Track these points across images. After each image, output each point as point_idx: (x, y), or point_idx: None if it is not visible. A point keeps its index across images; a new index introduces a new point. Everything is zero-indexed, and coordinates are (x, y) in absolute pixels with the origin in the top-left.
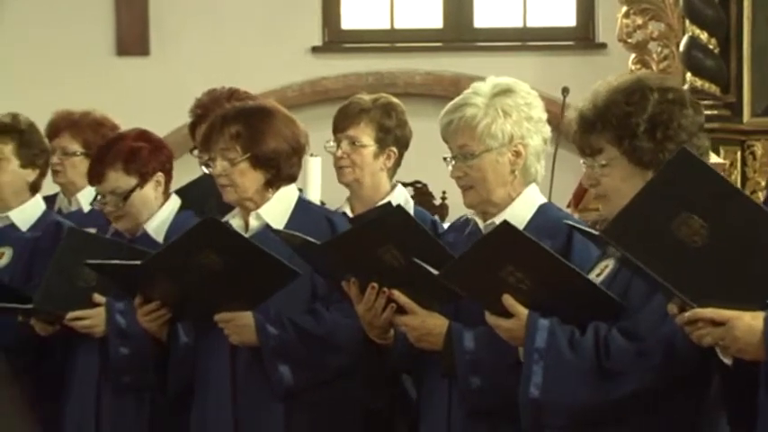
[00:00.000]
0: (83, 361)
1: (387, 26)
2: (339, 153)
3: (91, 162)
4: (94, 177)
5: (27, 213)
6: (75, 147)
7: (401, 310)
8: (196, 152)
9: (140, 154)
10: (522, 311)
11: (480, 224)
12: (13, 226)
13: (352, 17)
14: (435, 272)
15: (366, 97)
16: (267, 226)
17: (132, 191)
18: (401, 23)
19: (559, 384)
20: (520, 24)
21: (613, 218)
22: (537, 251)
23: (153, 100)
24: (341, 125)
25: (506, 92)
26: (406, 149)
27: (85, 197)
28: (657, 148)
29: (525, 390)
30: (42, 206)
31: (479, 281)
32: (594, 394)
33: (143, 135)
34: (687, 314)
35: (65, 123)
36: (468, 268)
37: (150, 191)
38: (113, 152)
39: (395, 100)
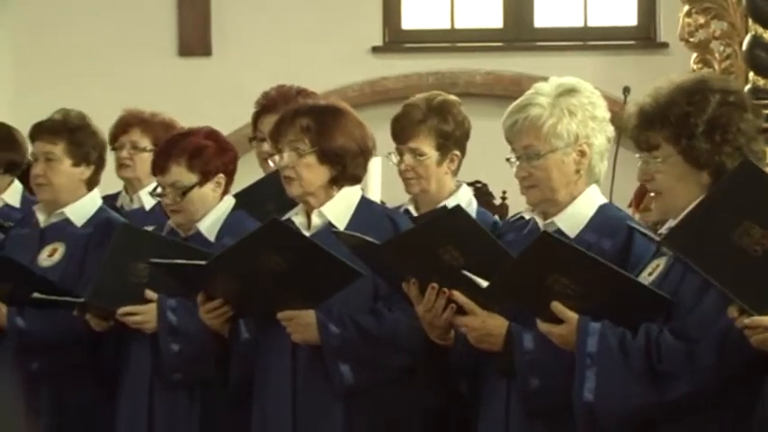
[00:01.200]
0: (136, 357)
1: (447, 26)
2: (403, 166)
3: (157, 152)
4: (157, 168)
5: (82, 209)
6: (146, 142)
7: (461, 311)
8: (254, 143)
9: (206, 152)
10: (572, 317)
11: (540, 223)
12: (67, 221)
13: (413, 17)
14: (484, 284)
15: (419, 102)
16: (329, 224)
17: (192, 188)
18: (461, 23)
19: (612, 388)
20: (581, 24)
21: (675, 225)
22: (580, 257)
23: (214, 100)
24: (400, 136)
25: (571, 91)
26: (467, 141)
27: (147, 195)
28: (714, 150)
29: (579, 394)
30: (98, 202)
31: (526, 290)
32: (647, 397)
33: (212, 134)
34: (747, 320)
35: (136, 120)
36: (513, 280)
37: (209, 191)
38: (180, 146)
39: (449, 98)
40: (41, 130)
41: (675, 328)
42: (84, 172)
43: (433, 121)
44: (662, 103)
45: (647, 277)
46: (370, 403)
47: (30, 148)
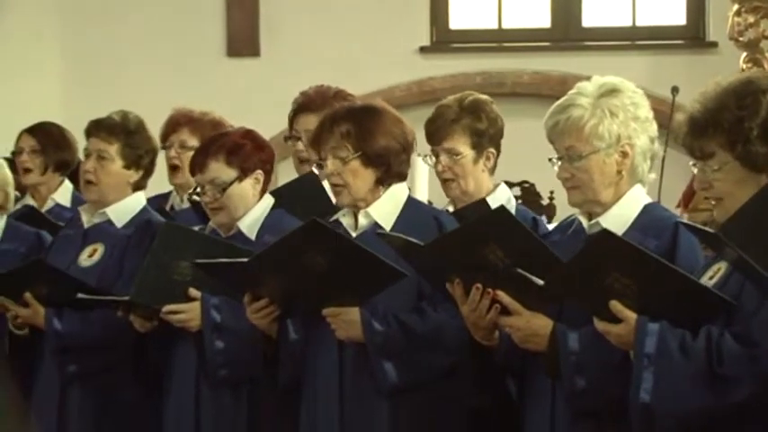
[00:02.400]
0: (181, 357)
1: (495, 26)
2: (440, 167)
3: (195, 152)
4: (196, 166)
5: (124, 210)
6: (194, 142)
7: (506, 311)
8: (290, 142)
9: (243, 149)
10: (631, 316)
11: (584, 223)
12: (109, 222)
13: (461, 17)
14: (540, 282)
15: (451, 103)
16: (376, 224)
17: (231, 183)
18: (509, 23)
19: (670, 390)
20: (629, 23)
21: (729, 218)
22: (640, 256)
23: (262, 100)
24: (434, 137)
25: (612, 92)
26: (502, 139)
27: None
28: None
29: (635, 395)
30: (141, 203)
31: (584, 289)
32: (706, 399)
33: (248, 134)
34: None
35: (184, 119)
36: (571, 277)
37: (248, 187)
38: (218, 144)
39: (481, 97)
40: (99, 128)
41: (737, 331)
42: (133, 175)
43: (466, 120)
44: (711, 108)
45: (707, 280)
46: (415, 402)
47: (80, 148)
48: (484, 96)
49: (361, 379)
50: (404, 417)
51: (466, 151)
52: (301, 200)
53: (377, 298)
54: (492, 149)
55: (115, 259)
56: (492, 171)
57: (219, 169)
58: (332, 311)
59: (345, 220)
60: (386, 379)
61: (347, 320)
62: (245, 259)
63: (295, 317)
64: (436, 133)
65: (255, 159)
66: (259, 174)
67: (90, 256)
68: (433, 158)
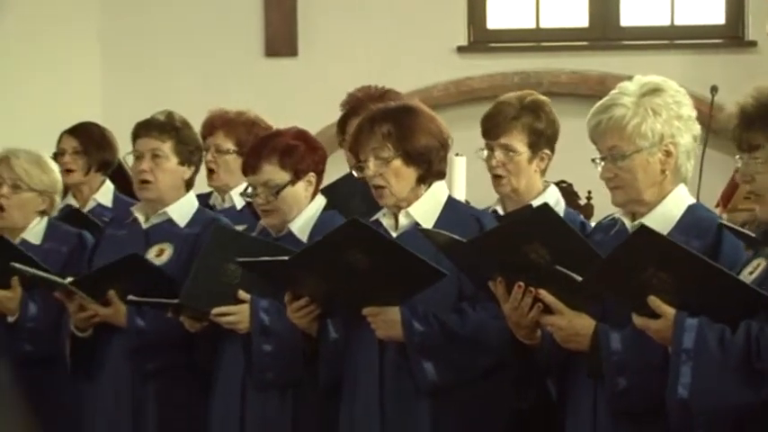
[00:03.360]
0: (229, 357)
1: (532, 25)
2: (494, 162)
3: (247, 153)
4: (249, 168)
5: (184, 209)
6: (229, 145)
7: (548, 310)
8: (345, 146)
9: (297, 151)
10: (669, 312)
11: (627, 224)
12: (170, 221)
13: (498, 16)
14: (579, 278)
15: (512, 99)
16: (416, 224)
17: (284, 186)
18: (547, 22)
19: (708, 385)
20: (667, 22)
21: None
22: (677, 252)
23: (301, 100)
24: (491, 132)
25: (655, 91)
26: (557, 141)
27: (239, 195)
28: None
29: (673, 390)
30: (196, 202)
31: (623, 284)
32: (744, 395)
33: (302, 134)
34: None
35: (219, 122)
36: (610, 273)
37: (301, 189)
38: (271, 146)
39: (541, 97)
40: (150, 128)
41: None
42: (186, 172)
43: (526, 119)
44: (764, 102)
45: (747, 276)
46: (455, 402)
47: (119, 148)
48: (544, 97)
49: (401, 378)
50: (444, 416)
51: (522, 149)
52: (348, 198)
53: (417, 297)
54: (547, 150)
55: (185, 258)
56: (544, 172)
57: (273, 172)
58: (372, 311)
59: (386, 220)
60: (425, 378)
61: (387, 320)
62: (287, 257)
63: (335, 316)
64: (494, 128)
65: (309, 161)
66: (312, 176)
67: (158, 256)
68: (486, 152)
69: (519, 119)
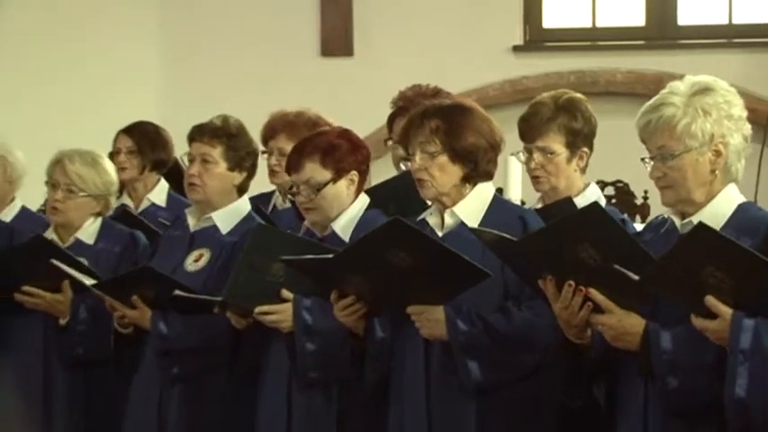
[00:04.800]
0: (274, 356)
1: (588, 24)
2: (532, 164)
3: (290, 152)
4: (291, 166)
5: (230, 216)
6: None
7: (598, 309)
8: (390, 143)
9: (339, 149)
10: (726, 312)
11: (677, 223)
12: (214, 227)
13: (554, 16)
14: (635, 277)
15: (547, 100)
16: (462, 223)
17: (326, 184)
18: (603, 21)
19: (765, 385)
20: (725, 21)
21: None
22: (735, 251)
23: (356, 100)
24: (528, 135)
25: (705, 90)
26: (594, 138)
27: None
28: None
29: (731, 390)
30: (246, 209)
31: (680, 284)
32: None
33: (344, 133)
34: None
35: (281, 125)
36: (667, 272)
37: (343, 188)
38: (313, 144)
39: (576, 95)
40: (201, 132)
41: None
42: (237, 177)
43: (562, 119)
44: None
45: None
46: (502, 401)
47: (175, 147)
48: (579, 95)
49: (447, 377)
50: (491, 416)
51: (560, 150)
52: (396, 199)
53: (462, 297)
54: (585, 149)
55: (220, 266)
56: (584, 170)
57: (314, 170)
58: (416, 309)
59: (432, 219)
60: (470, 378)
61: (431, 319)
62: (330, 255)
63: (382, 315)
64: (530, 131)
65: (350, 160)
66: (354, 174)
67: (196, 261)
68: (525, 155)
69: (555, 120)
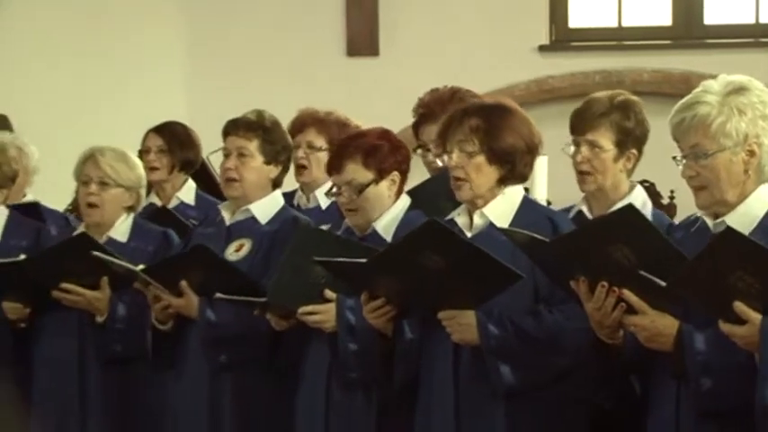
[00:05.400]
0: (314, 356)
1: (615, 24)
2: (579, 158)
3: (332, 152)
4: (333, 167)
5: (267, 207)
6: (321, 142)
7: (631, 310)
8: (420, 151)
9: (381, 150)
10: (756, 317)
11: (709, 222)
12: (253, 219)
13: (580, 15)
14: (662, 283)
15: (603, 97)
16: (491, 224)
17: (368, 185)
18: (629, 21)
19: None
20: (752, 20)
21: None
22: (764, 254)
23: (382, 100)
24: (579, 128)
25: (740, 90)
26: (645, 143)
27: (323, 195)
28: None
29: (761, 396)
30: (281, 201)
31: (708, 289)
32: None
33: (386, 134)
34: None
35: (311, 120)
36: (695, 277)
37: (384, 188)
38: (355, 145)
39: (632, 97)
40: (238, 126)
41: None
42: (273, 171)
43: (615, 116)
44: None
45: None
46: (531, 404)
47: (203, 148)
48: (636, 97)
49: (477, 381)
50: (521, 419)
51: (608, 146)
52: (435, 198)
53: (493, 300)
54: (634, 151)
55: (262, 254)
56: (630, 173)
57: (356, 171)
58: (447, 314)
59: (461, 219)
60: (502, 381)
61: (462, 323)
62: (364, 260)
63: (411, 316)
64: (581, 124)
65: (392, 160)
66: (395, 175)
67: (237, 251)
68: (572, 148)
69: (608, 116)
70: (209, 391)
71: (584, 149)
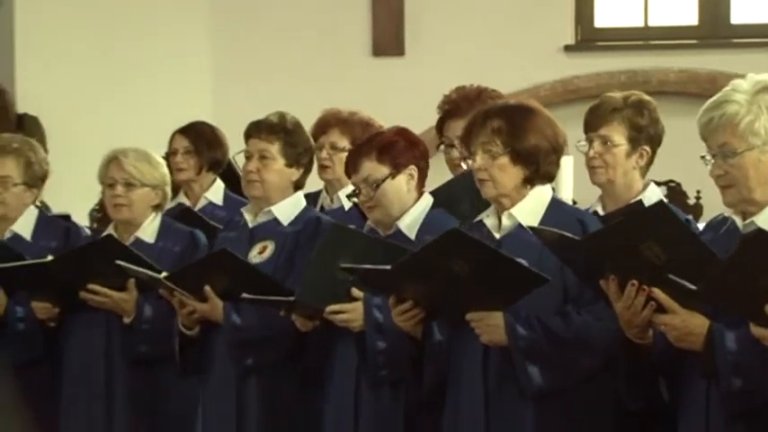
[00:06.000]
0: (342, 355)
1: (641, 23)
2: (591, 153)
3: (348, 154)
4: (350, 168)
5: (289, 208)
6: (344, 143)
7: (661, 309)
8: (442, 147)
9: (396, 146)
10: None
11: (739, 223)
12: (275, 220)
13: (606, 15)
14: (692, 287)
15: (617, 95)
16: (519, 225)
17: (384, 180)
18: (655, 21)
19: None
20: None
21: None
22: None
23: (407, 99)
24: (593, 124)
25: None
26: (659, 146)
27: (346, 197)
28: None
29: None
30: (303, 202)
31: (739, 291)
32: None
33: (401, 131)
34: None
35: (334, 120)
36: (725, 280)
37: (402, 183)
38: (369, 144)
39: (647, 97)
40: (259, 129)
41: None
42: (294, 173)
43: (627, 112)
44: None
45: None
46: (560, 405)
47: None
48: (650, 98)
49: (506, 382)
50: (549, 419)
51: (620, 141)
52: (458, 199)
53: (521, 301)
54: (647, 148)
55: (286, 255)
56: (643, 171)
57: (372, 167)
58: (475, 316)
59: (489, 221)
60: (531, 383)
61: (490, 325)
62: (388, 267)
63: (440, 318)
64: (594, 120)
65: (408, 155)
66: (412, 169)
67: (260, 253)
68: (586, 145)
69: (620, 111)
70: (237, 393)
71: (597, 144)
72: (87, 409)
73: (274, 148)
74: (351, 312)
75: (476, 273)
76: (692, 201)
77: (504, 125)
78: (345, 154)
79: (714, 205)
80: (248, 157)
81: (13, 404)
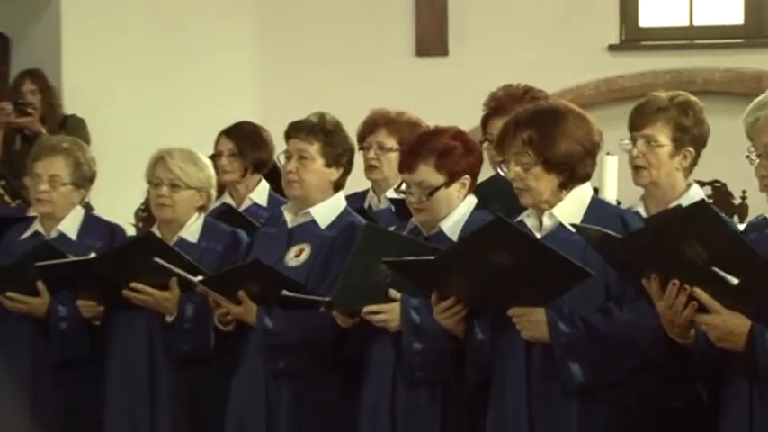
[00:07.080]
0: (378, 356)
1: (685, 23)
2: (635, 152)
3: (405, 150)
4: (406, 166)
5: (327, 211)
6: (392, 143)
7: (703, 309)
8: (486, 144)
9: (454, 153)
10: None
11: None
12: (313, 222)
13: (651, 14)
14: (734, 280)
15: (663, 95)
16: (560, 225)
17: (438, 188)
18: (700, 20)
19: None
20: None
21: None
22: None
23: (451, 99)
24: (637, 123)
25: None
26: (704, 148)
27: (393, 192)
28: None
29: None
30: (342, 204)
31: None
32: None
33: (459, 135)
34: None
35: (382, 120)
36: (766, 279)
37: (455, 191)
38: (429, 146)
39: (693, 98)
40: (298, 129)
41: None
42: (334, 174)
43: (672, 112)
44: None
45: None
46: (604, 403)
47: (275, 147)
48: (696, 99)
49: (548, 380)
50: (593, 417)
51: (664, 141)
52: (490, 201)
53: (563, 298)
54: (691, 149)
55: (321, 260)
56: (687, 172)
57: (428, 173)
58: (517, 311)
59: (530, 221)
60: (572, 380)
61: (532, 320)
62: (432, 257)
63: (482, 317)
64: (639, 119)
65: (464, 164)
66: (466, 179)
67: (296, 256)
68: (630, 143)
69: (666, 111)
70: (267, 393)
71: (640, 144)
72: (131, 409)
73: (313, 149)
74: (388, 313)
75: (519, 265)
76: (737, 201)
77: (535, 135)
78: (393, 154)
79: (759, 205)
80: (288, 158)
81: (12, 404)
